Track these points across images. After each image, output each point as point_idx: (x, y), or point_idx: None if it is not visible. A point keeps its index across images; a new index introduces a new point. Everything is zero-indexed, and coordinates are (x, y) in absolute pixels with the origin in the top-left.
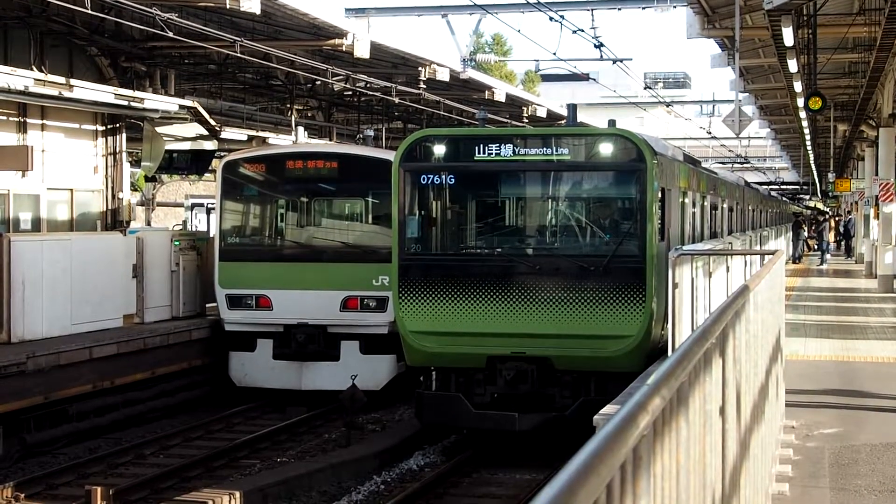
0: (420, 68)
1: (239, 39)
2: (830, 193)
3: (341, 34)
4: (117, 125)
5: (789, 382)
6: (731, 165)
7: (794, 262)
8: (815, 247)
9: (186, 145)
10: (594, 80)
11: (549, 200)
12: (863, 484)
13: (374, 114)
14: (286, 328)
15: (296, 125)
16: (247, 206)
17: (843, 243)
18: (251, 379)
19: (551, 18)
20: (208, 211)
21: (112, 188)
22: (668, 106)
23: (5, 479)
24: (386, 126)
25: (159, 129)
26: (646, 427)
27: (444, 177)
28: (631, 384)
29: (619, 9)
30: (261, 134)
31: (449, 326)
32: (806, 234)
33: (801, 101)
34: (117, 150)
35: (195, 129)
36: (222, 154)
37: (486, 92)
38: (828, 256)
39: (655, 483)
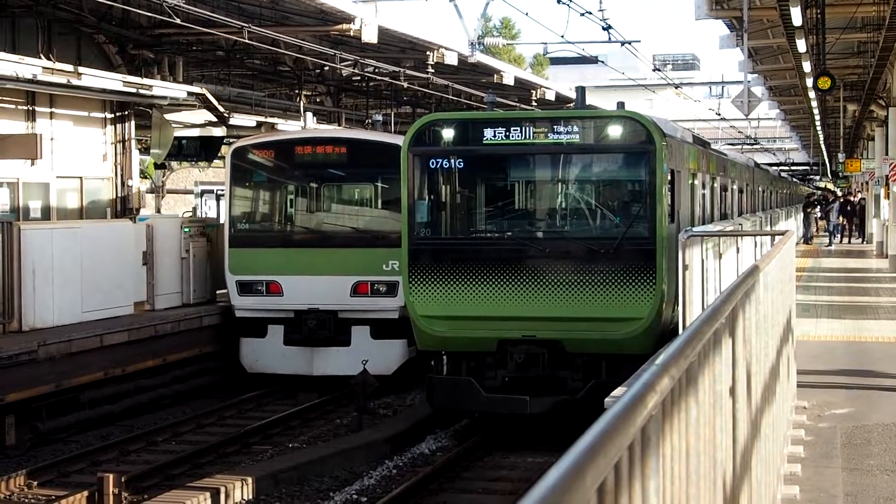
0: (428, 52)
1: (247, 25)
2: (840, 174)
3: (349, 19)
4: (126, 113)
5: (801, 363)
6: (740, 147)
7: (805, 243)
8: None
9: (195, 132)
10: (603, 62)
11: (559, 183)
12: (875, 464)
13: (383, 99)
14: (297, 314)
15: (304, 111)
16: (256, 192)
17: (854, 226)
18: (262, 365)
19: (559, 1)
20: (218, 197)
21: (121, 176)
22: (676, 88)
23: (18, 466)
24: (395, 111)
25: (168, 117)
26: (654, 407)
27: (453, 161)
28: (642, 366)
29: None
30: (269, 120)
31: (460, 310)
32: (819, 214)
33: (810, 82)
34: (126, 138)
35: (204, 115)
36: (231, 141)
37: (495, 76)
38: (837, 238)
39: (665, 463)
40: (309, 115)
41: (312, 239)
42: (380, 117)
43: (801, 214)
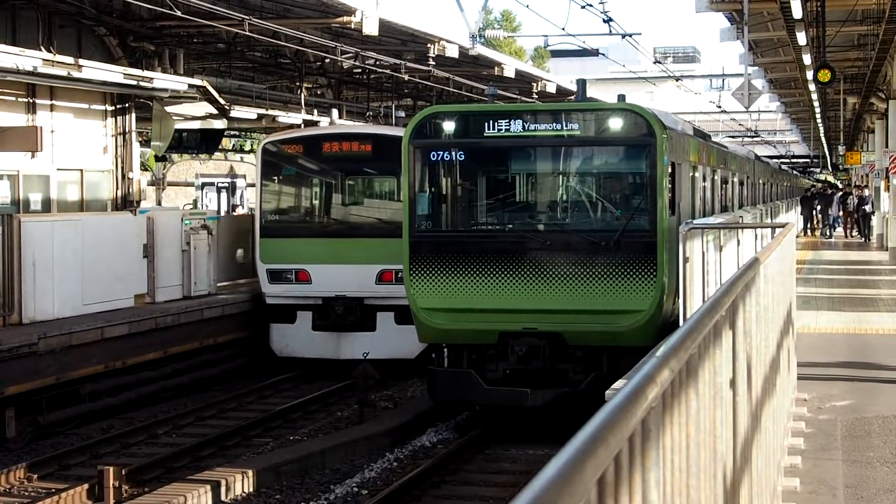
0: (429, 45)
1: (247, 18)
2: (841, 166)
3: (350, 11)
4: (126, 105)
5: (801, 355)
6: (741, 139)
7: (805, 235)
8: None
9: (196, 124)
10: (603, 55)
11: (560, 176)
12: (875, 456)
13: (384, 91)
14: (325, 301)
15: (331, 107)
16: (286, 185)
17: (853, 221)
18: (292, 349)
19: None
20: (219, 190)
21: (122, 168)
22: (677, 80)
23: (18, 459)
24: (395, 103)
25: (169, 109)
26: (654, 399)
27: (454, 153)
28: (643, 359)
29: None
30: (270, 112)
31: (461, 303)
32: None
33: (810, 74)
34: (127, 130)
35: (204, 108)
36: (233, 133)
37: (496, 68)
38: (837, 230)
39: (665, 455)
40: (335, 111)
41: (339, 229)
42: (402, 113)
43: (801, 207)
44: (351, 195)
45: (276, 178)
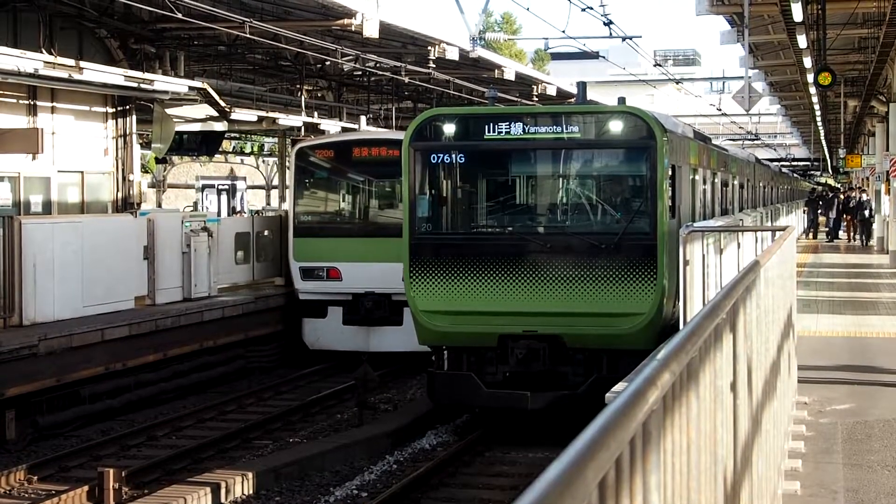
0: (429, 48)
1: (248, 20)
2: (841, 169)
3: (350, 14)
4: (127, 107)
5: (802, 358)
6: (741, 142)
7: (807, 237)
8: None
9: (196, 127)
10: (604, 57)
11: (560, 178)
12: (876, 459)
13: (384, 94)
14: (354, 296)
15: (358, 115)
16: (318, 187)
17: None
18: (323, 343)
19: None
20: (219, 192)
21: (122, 170)
22: (677, 83)
23: (18, 461)
24: (396, 106)
25: (169, 111)
26: (655, 402)
27: (454, 156)
28: (643, 362)
29: None
30: (271, 115)
31: (460, 305)
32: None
33: (810, 77)
34: (127, 132)
35: (205, 110)
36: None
37: (496, 71)
38: (841, 233)
39: (666, 458)
40: (363, 118)
41: (368, 229)
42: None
43: (807, 209)
44: (379, 197)
45: (308, 180)
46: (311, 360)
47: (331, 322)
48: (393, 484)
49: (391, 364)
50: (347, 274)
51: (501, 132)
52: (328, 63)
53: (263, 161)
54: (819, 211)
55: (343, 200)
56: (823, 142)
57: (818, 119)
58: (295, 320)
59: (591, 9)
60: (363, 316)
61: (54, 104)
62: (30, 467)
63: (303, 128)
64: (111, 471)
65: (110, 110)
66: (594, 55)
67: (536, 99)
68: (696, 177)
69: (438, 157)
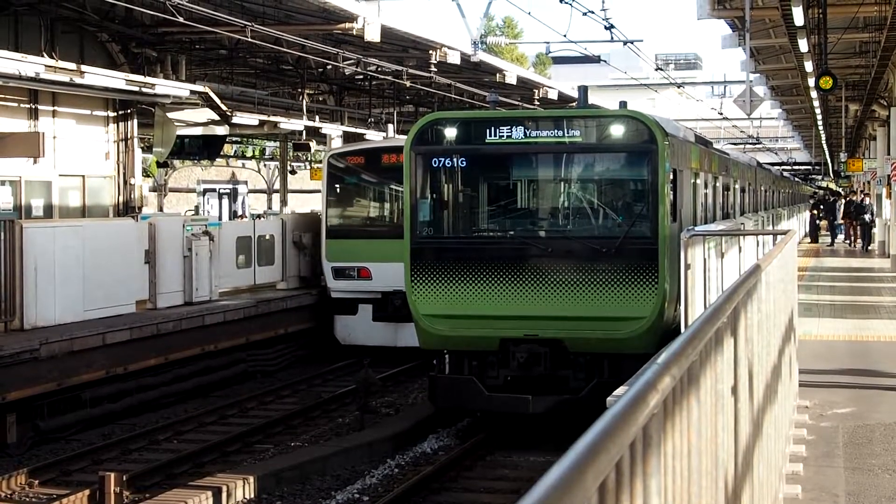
0: (431, 52)
1: (249, 24)
2: (842, 174)
3: (352, 18)
4: (128, 111)
5: (803, 362)
6: (742, 146)
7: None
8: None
9: (198, 130)
10: (605, 62)
11: (561, 182)
12: (877, 463)
13: (386, 98)
14: (384, 294)
15: (384, 122)
16: (349, 192)
17: (857, 230)
18: (354, 338)
19: (562, 0)
20: (220, 196)
21: (124, 174)
22: (679, 87)
23: (19, 465)
24: (397, 110)
25: (170, 115)
26: (656, 406)
27: (455, 160)
28: (644, 366)
29: None
30: (272, 119)
31: (462, 309)
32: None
33: (811, 81)
34: (129, 136)
35: (206, 114)
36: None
37: (497, 75)
38: (840, 237)
39: (666, 462)
40: (390, 126)
41: (397, 231)
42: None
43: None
44: None
45: (340, 185)
46: (340, 356)
47: (361, 319)
48: (394, 488)
49: (418, 358)
50: (377, 273)
51: (503, 136)
52: (329, 67)
53: (265, 165)
54: (820, 215)
55: (372, 204)
56: (824, 146)
57: (819, 123)
58: (327, 317)
59: (593, 13)
60: (391, 313)
61: (55, 108)
62: (31, 471)
63: (304, 132)
64: (112, 475)
65: (111, 114)
66: (595, 59)
67: (538, 103)
68: (698, 181)
69: (440, 161)
